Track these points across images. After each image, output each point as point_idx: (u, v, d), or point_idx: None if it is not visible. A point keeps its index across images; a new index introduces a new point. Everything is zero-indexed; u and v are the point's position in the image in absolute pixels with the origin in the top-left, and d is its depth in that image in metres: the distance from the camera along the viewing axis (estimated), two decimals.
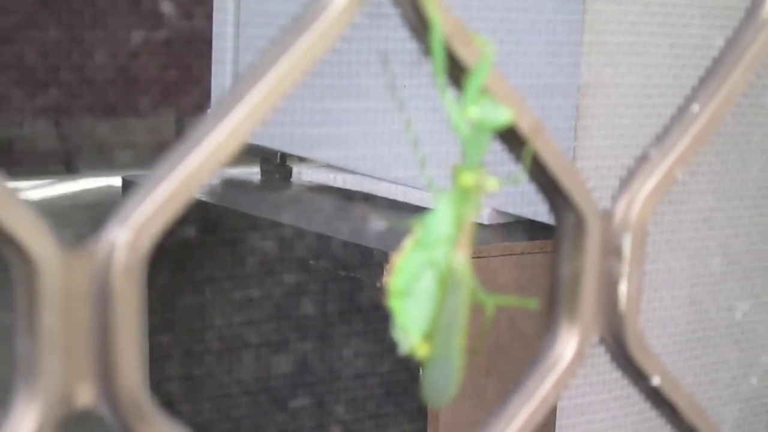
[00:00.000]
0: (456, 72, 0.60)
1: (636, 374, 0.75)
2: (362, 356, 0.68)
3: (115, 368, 0.51)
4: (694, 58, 0.75)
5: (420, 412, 0.68)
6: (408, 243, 0.60)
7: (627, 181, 0.73)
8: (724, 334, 0.85)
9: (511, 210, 1.12)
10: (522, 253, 1.15)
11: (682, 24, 0.74)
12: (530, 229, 1.09)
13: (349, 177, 1.25)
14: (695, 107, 0.75)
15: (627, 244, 0.71)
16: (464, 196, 0.57)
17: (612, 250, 0.71)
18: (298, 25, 0.56)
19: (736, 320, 0.84)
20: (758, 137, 0.83)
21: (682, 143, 0.74)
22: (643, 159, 0.74)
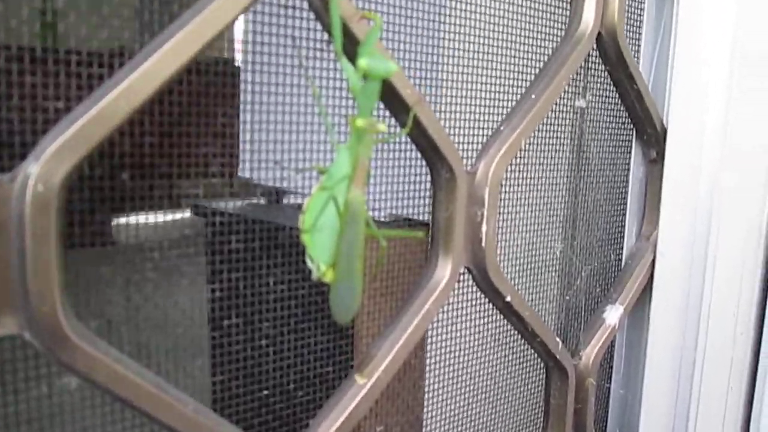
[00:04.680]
0: (350, 46, 0.40)
1: (494, 294, 0.55)
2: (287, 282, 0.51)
3: (31, 296, 0.30)
4: (530, 61, 0.56)
5: (333, 326, 0.50)
6: (315, 188, 0.40)
7: (485, 148, 0.53)
8: (549, 266, 0.67)
9: (398, 212, 0.91)
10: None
11: (521, 37, 0.54)
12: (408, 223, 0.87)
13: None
14: (533, 95, 0.56)
15: (486, 196, 0.52)
16: (359, 139, 0.37)
17: (475, 200, 0.52)
18: None
19: (555, 256, 0.66)
20: (568, 128, 0.64)
21: (524, 121, 0.55)
22: (496, 132, 0.54)
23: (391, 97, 0.43)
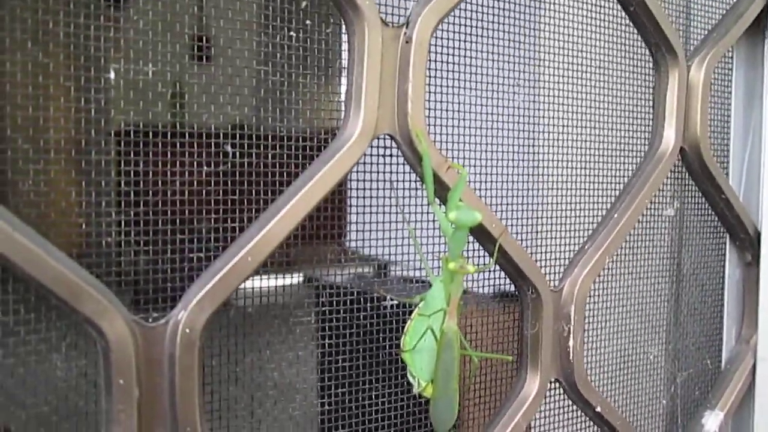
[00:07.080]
0: (441, 191, 0.48)
1: (584, 404, 0.60)
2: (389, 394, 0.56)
3: (179, 419, 0.38)
4: (614, 178, 0.62)
5: None
6: (415, 314, 0.47)
7: (570, 267, 0.59)
8: (642, 371, 0.71)
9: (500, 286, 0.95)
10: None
11: (603, 156, 0.61)
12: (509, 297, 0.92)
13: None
14: (616, 214, 0.62)
15: (572, 313, 0.58)
16: (451, 278, 0.44)
17: (562, 317, 0.57)
18: (324, 157, 0.44)
19: (649, 361, 0.70)
20: (658, 236, 0.69)
21: (608, 239, 0.60)
22: (580, 251, 0.60)
23: (479, 231, 0.50)
